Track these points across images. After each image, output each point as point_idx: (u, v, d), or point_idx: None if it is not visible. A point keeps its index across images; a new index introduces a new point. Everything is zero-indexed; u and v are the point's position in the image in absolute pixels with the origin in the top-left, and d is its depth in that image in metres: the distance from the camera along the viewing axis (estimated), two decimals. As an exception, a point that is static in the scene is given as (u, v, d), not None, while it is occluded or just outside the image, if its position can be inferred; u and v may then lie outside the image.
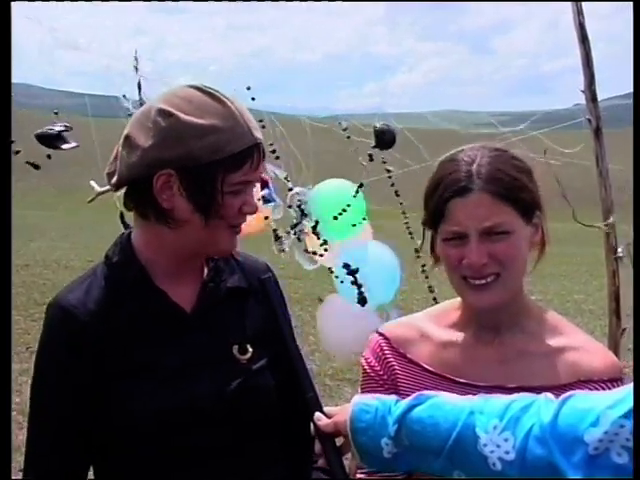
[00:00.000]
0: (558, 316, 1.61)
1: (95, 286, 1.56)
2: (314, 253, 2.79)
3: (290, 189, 2.75)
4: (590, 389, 1.41)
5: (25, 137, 2.29)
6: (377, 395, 1.44)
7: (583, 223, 2.90)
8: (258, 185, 1.83)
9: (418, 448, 1.32)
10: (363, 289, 2.71)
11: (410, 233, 2.76)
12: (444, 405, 1.32)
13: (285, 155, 2.75)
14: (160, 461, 1.51)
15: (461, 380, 1.53)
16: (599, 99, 2.99)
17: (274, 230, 2.79)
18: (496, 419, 1.25)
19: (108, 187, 1.62)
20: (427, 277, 2.77)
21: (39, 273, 12.59)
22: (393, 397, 1.39)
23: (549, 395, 1.27)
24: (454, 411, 1.29)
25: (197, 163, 1.45)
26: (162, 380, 1.51)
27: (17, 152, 2.26)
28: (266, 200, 2.73)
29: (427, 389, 1.41)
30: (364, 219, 2.84)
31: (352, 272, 2.70)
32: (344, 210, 2.72)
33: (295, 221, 2.76)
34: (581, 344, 1.53)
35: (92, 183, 1.83)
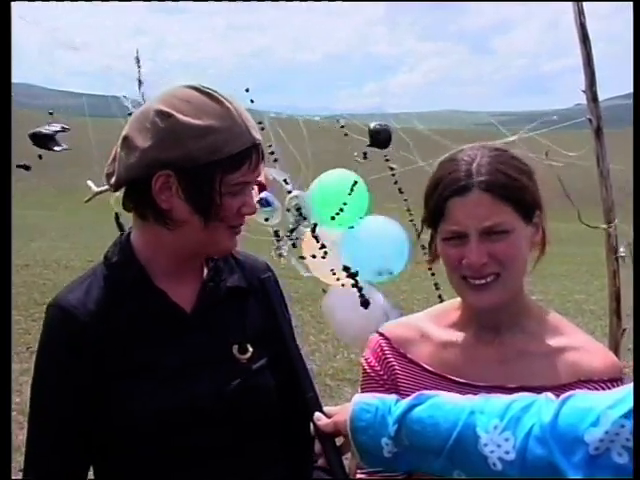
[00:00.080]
0: (558, 316, 1.61)
1: (95, 286, 1.56)
2: (313, 257, 2.78)
3: (289, 192, 2.75)
4: (590, 389, 1.41)
5: (24, 137, 2.29)
6: (377, 394, 1.44)
7: (588, 224, 2.89)
8: (256, 188, 1.83)
9: (418, 448, 1.32)
10: (364, 292, 2.70)
11: (417, 230, 2.75)
12: (444, 405, 1.31)
13: (284, 156, 2.74)
14: (160, 461, 1.51)
15: (461, 380, 1.53)
16: (600, 99, 2.98)
17: (275, 232, 2.78)
18: (496, 419, 1.25)
19: (105, 187, 1.62)
20: (433, 274, 2.75)
21: (39, 273, 12.60)
22: (393, 397, 1.39)
23: (549, 395, 1.27)
24: (454, 411, 1.29)
25: (195, 164, 1.45)
26: (162, 380, 1.51)
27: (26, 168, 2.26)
28: (263, 204, 2.71)
29: (427, 389, 1.41)
30: (361, 219, 2.83)
31: (352, 275, 2.70)
32: (341, 210, 2.72)
33: (291, 226, 2.75)
34: (581, 344, 1.53)
35: (89, 183, 1.83)
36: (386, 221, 2.83)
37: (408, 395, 1.37)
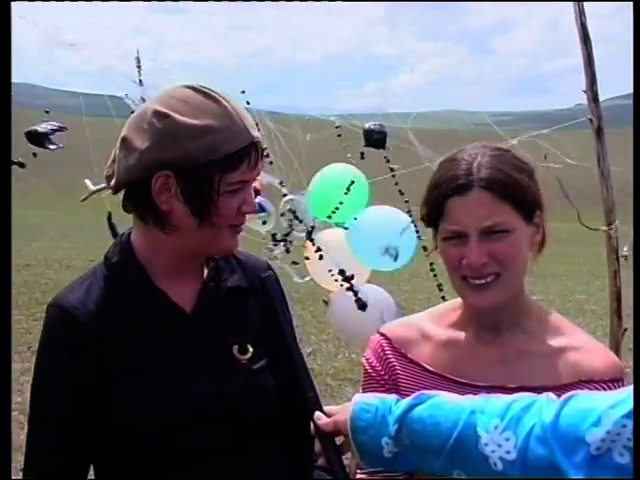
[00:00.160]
0: (559, 316, 1.60)
1: (95, 286, 1.56)
2: (306, 258, 2.78)
3: (284, 195, 2.74)
4: (591, 389, 1.41)
5: (23, 136, 2.29)
6: (378, 394, 1.44)
7: (588, 226, 2.89)
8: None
9: (419, 447, 1.31)
10: (360, 295, 2.70)
11: (417, 232, 2.75)
12: (445, 404, 1.31)
13: (282, 158, 2.74)
14: (160, 461, 1.51)
15: (462, 380, 1.53)
16: (600, 99, 2.98)
17: (273, 235, 2.77)
18: (497, 419, 1.25)
19: (102, 185, 1.62)
20: (435, 275, 2.75)
21: (41, 273, 12.62)
22: (394, 396, 1.39)
23: (550, 395, 1.27)
24: (455, 410, 1.29)
25: (194, 163, 1.45)
26: (162, 380, 1.50)
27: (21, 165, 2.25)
28: (257, 209, 2.71)
29: (428, 389, 1.41)
30: (356, 219, 2.82)
31: (348, 278, 2.70)
32: (337, 208, 2.71)
33: (285, 231, 2.74)
34: (582, 344, 1.53)
35: (86, 182, 1.83)
36: (393, 210, 2.84)
37: (409, 395, 1.37)
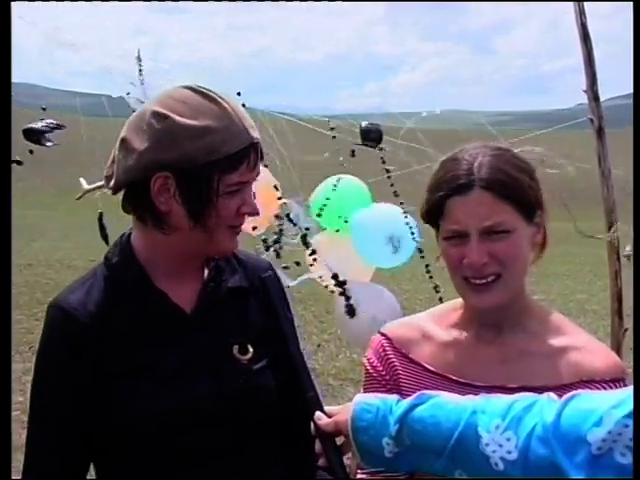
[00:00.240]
0: (560, 316, 1.60)
1: (95, 287, 1.55)
2: (297, 264, 2.78)
3: (279, 198, 2.74)
4: (592, 389, 1.40)
5: (20, 135, 2.29)
6: (379, 395, 1.43)
7: (585, 234, 2.90)
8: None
9: (419, 448, 1.31)
10: (352, 301, 2.71)
11: (412, 233, 2.75)
12: (446, 405, 1.31)
13: (280, 159, 2.73)
14: (160, 461, 1.50)
15: (463, 380, 1.52)
16: (601, 99, 2.99)
17: (264, 240, 2.77)
18: (498, 419, 1.25)
19: (97, 184, 1.62)
20: (431, 277, 2.76)
21: (42, 273, 12.63)
22: (394, 396, 1.39)
23: (552, 395, 1.26)
24: (456, 410, 1.29)
25: (193, 164, 1.45)
26: (162, 380, 1.50)
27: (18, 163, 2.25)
28: None
29: (429, 389, 1.41)
30: (346, 222, 2.82)
31: (340, 283, 2.70)
32: (324, 205, 2.72)
33: (276, 237, 2.74)
34: (583, 344, 1.52)
35: (81, 180, 1.83)
36: (396, 206, 2.85)
37: (410, 395, 1.37)
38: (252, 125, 1.52)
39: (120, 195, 1.56)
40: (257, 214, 1.58)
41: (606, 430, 1.14)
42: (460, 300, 1.60)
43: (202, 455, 1.51)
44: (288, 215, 2.73)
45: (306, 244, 2.72)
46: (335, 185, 2.76)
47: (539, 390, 1.33)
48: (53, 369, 1.53)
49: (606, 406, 1.16)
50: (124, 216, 1.61)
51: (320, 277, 2.74)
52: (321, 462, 1.54)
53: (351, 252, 2.85)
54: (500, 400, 1.28)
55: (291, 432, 1.65)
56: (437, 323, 1.62)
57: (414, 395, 1.36)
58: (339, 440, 1.47)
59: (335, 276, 2.69)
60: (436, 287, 2.79)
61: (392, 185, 2.88)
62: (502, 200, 1.44)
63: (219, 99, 1.48)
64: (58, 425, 1.53)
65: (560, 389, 1.36)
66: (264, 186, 2.55)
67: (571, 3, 2.96)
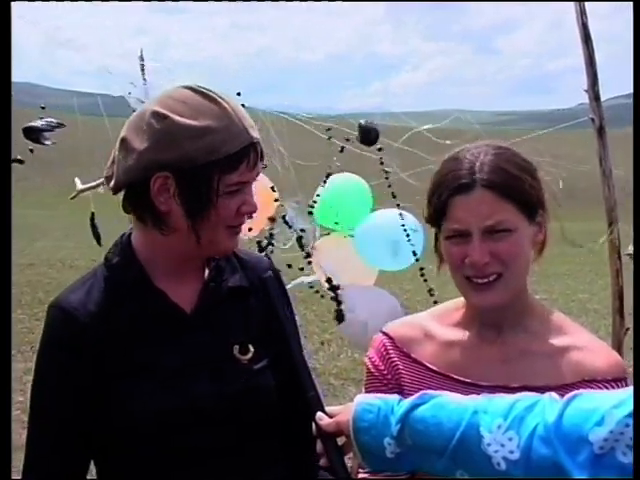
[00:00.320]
0: (562, 315, 1.60)
1: (96, 287, 1.55)
2: (289, 266, 2.77)
3: (276, 200, 2.73)
4: (594, 389, 1.40)
5: (21, 134, 2.29)
6: (380, 394, 1.43)
7: (574, 244, 2.90)
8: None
9: (421, 448, 1.31)
10: (342, 307, 2.70)
11: (407, 235, 2.75)
12: (447, 404, 1.31)
13: (279, 160, 2.73)
14: (160, 461, 1.50)
15: (464, 380, 1.52)
16: (602, 99, 2.99)
17: (258, 242, 2.77)
18: (500, 418, 1.24)
19: (93, 184, 1.62)
20: (426, 280, 2.76)
21: (44, 272, 12.65)
22: (396, 396, 1.39)
23: (554, 394, 1.26)
24: (458, 410, 1.29)
25: (193, 164, 1.45)
26: (162, 380, 1.50)
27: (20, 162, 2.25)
28: None
29: (431, 389, 1.40)
30: (337, 223, 2.82)
31: (334, 287, 2.69)
32: (314, 202, 2.71)
33: (266, 241, 2.74)
34: (585, 343, 1.52)
35: (76, 180, 1.83)
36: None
37: (412, 394, 1.37)
38: (252, 125, 1.51)
39: (120, 195, 1.56)
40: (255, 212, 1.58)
41: (608, 430, 1.14)
42: (462, 299, 1.60)
43: (202, 455, 1.51)
44: (284, 217, 2.73)
45: (301, 246, 2.72)
46: (325, 180, 2.76)
47: (541, 390, 1.32)
48: (53, 369, 1.53)
49: (608, 406, 1.16)
50: (124, 216, 1.61)
51: (310, 283, 2.73)
52: (322, 462, 1.54)
53: (354, 255, 2.85)
54: (502, 400, 1.28)
55: (292, 432, 1.65)
56: (439, 322, 1.62)
57: (416, 395, 1.35)
58: (340, 440, 1.47)
59: (329, 280, 2.69)
60: (430, 290, 2.79)
61: (389, 186, 2.88)
62: (504, 199, 1.44)
63: (219, 99, 1.48)
64: (58, 425, 1.53)
65: (562, 389, 1.36)
66: (262, 188, 2.55)
67: (572, 3, 2.96)
